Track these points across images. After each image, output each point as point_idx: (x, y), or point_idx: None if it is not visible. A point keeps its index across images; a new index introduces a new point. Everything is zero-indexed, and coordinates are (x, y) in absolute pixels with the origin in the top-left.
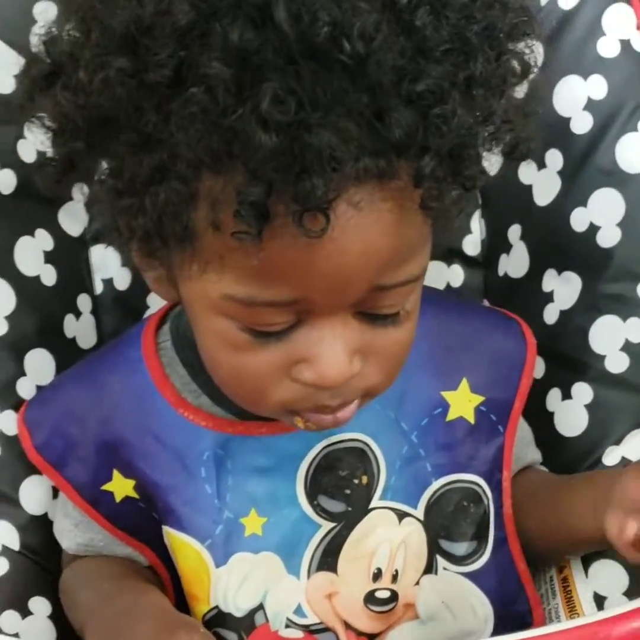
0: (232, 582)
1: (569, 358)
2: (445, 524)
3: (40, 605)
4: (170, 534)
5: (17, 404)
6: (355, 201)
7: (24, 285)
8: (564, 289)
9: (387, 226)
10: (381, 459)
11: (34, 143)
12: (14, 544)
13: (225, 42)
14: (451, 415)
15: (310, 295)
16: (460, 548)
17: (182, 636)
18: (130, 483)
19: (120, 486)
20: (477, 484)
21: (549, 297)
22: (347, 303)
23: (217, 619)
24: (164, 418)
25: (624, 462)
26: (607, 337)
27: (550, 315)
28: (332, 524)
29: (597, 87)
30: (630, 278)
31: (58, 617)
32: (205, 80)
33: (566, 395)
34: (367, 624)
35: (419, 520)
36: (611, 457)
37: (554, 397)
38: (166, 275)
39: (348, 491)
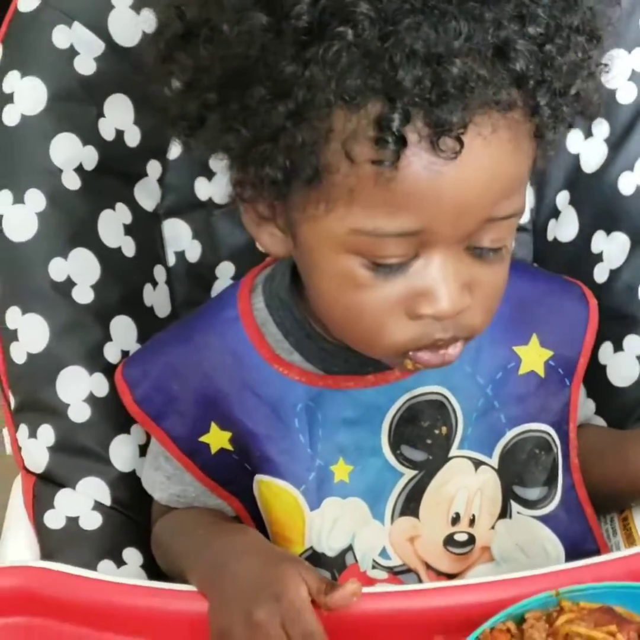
0: (325, 524)
1: (619, 313)
2: (519, 471)
3: (133, 556)
4: (265, 482)
5: (105, 367)
6: (482, 130)
7: (108, 256)
8: (613, 249)
9: (507, 154)
10: (459, 410)
11: (113, 121)
12: (106, 499)
13: None
14: (523, 369)
15: (434, 224)
16: (533, 493)
17: (288, 568)
18: (227, 435)
19: (217, 438)
20: (548, 433)
21: (598, 258)
22: (464, 234)
23: (312, 559)
24: (260, 373)
25: None
26: None
27: (601, 274)
28: (414, 472)
29: None
30: None
31: (150, 565)
32: (352, 18)
33: (618, 348)
34: (446, 565)
35: (493, 468)
36: None
37: (606, 350)
38: (282, 227)
39: (429, 441)
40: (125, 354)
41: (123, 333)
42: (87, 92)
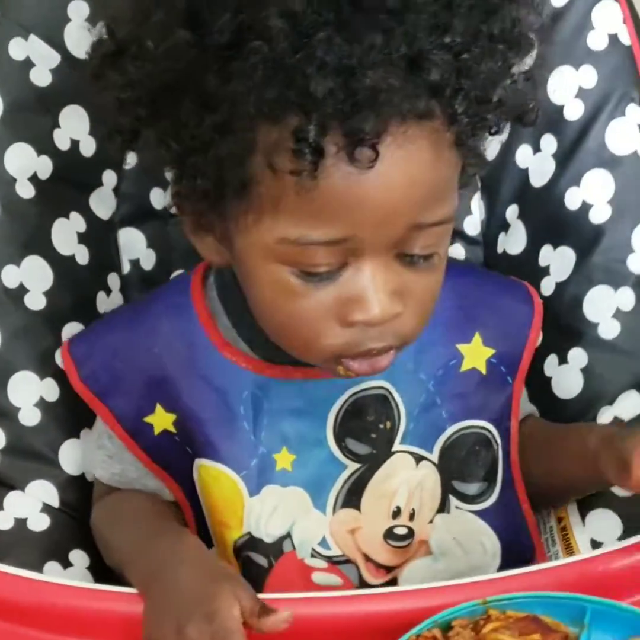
0: (264, 511)
1: (564, 326)
2: (458, 467)
3: (79, 557)
4: (205, 466)
5: (56, 372)
6: (399, 139)
7: (61, 264)
8: (559, 262)
9: (426, 162)
10: (401, 405)
11: (68, 132)
12: (54, 501)
13: (281, 1)
14: (465, 366)
15: (359, 232)
16: (472, 488)
17: (224, 586)
18: (171, 417)
19: (161, 419)
20: (488, 430)
21: (545, 271)
22: (391, 241)
23: (249, 544)
24: (209, 359)
25: (617, 420)
26: (600, 305)
27: (547, 287)
28: (358, 465)
29: (587, 76)
30: (621, 251)
31: (96, 567)
32: (266, 33)
33: (563, 360)
34: (385, 557)
35: (433, 463)
36: (605, 416)
37: (551, 362)
38: (219, 238)
39: (373, 435)
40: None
41: None
42: (42, 103)
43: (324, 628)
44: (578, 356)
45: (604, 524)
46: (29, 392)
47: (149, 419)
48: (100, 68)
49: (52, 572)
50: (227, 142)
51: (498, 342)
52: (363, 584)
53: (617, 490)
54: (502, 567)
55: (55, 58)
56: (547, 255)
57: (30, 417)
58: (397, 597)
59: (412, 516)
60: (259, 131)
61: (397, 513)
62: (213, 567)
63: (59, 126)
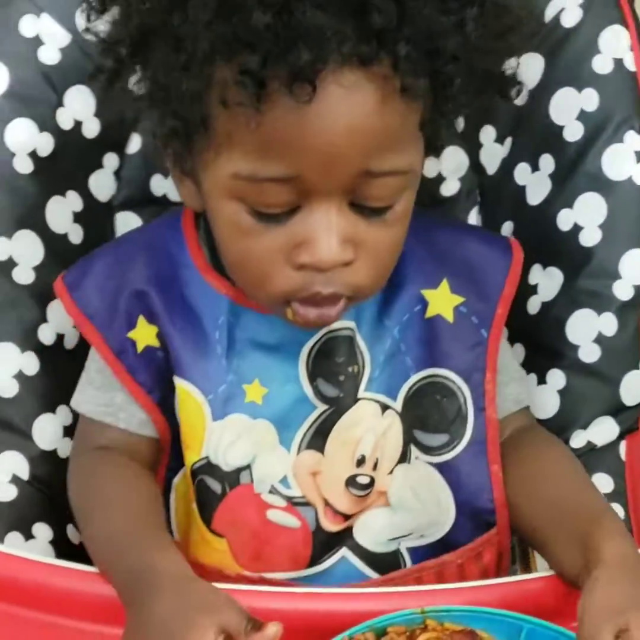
0: (225, 438)
1: (546, 346)
2: (420, 416)
3: (43, 531)
4: (178, 384)
5: (37, 347)
6: (341, 81)
7: (53, 241)
8: (546, 282)
9: (370, 107)
10: (365, 351)
11: (72, 112)
12: (24, 474)
13: None
14: (430, 312)
15: (305, 171)
16: (433, 439)
17: (198, 619)
18: (154, 330)
19: (144, 333)
20: (452, 380)
21: (533, 290)
22: (340, 186)
23: (205, 468)
24: (191, 279)
25: (589, 445)
26: (582, 329)
27: (533, 306)
28: (325, 407)
29: (589, 99)
30: (607, 276)
31: (58, 543)
32: None
33: (541, 381)
34: (345, 504)
35: (397, 412)
36: (577, 440)
37: (530, 381)
38: (193, 184)
39: (342, 378)
40: (60, 336)
41: (59, 316)
42: (48, 81)
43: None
44: (557, 377)
45: None
46: (9, 364)
47: (132, 333)
48: (88, 14)
49: (13, 543)
50: (188, 80)
51: (469, 292)
52: (319, 529)
53: None
54: (457, 527)
55: (65, 38)
56: (537, 274)
57: (7, 388)
58: (337, 598)
59: (375, 466)
60: (215, 69)
61: (361, 461)
62: (192, 597)
63: (63, 105)
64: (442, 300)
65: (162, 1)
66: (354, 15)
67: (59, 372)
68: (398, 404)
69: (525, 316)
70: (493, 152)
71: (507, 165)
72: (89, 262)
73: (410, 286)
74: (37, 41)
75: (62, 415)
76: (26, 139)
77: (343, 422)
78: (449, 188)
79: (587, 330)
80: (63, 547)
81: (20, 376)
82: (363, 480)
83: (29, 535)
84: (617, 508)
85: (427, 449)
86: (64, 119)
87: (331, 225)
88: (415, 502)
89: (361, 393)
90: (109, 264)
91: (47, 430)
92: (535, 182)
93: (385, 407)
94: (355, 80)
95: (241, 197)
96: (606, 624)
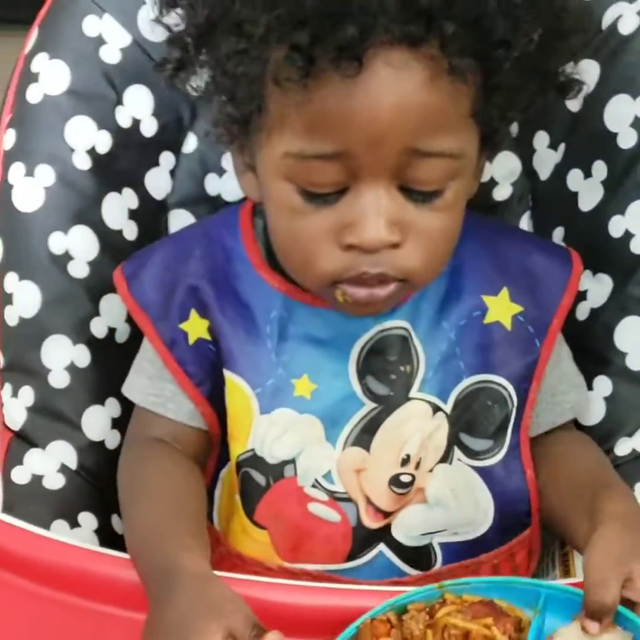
0: (272, 431)
1: (594, 353)
2: (469, 419)
3: (88, 520)
4: (227, 376)
5: (89, 340)
6: (388, 59)
7: (108, 236)
8: (596, 289)
9: (417, 85)
10: (421, 352)
11: (131, 110)
12: (72, 463)
13: None
14: (489, 319)
15: (352, 148)
16: (478, 444)
17: (208, 624)
18: (205, 323)
19: (196, 326)
20: (505, 388)
21: (582, 296)
22: (386, 164)
23: (251, 460)
24: (244, 273)
25: (634, 454)
26: (631, 336)
27: (582, 312)
28: (374, 405)
29: None
30: None
31: (103, 532)
32: None
33: (588, 387)
34: (386, 502)
35: (446, 413)
36: (622, 447)
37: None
38: (254, 175)
39: (393, 376)
40: (111, 330)
41: (112, 310)
42: (108, 80)
43: (288, 615)
44: (603, 384)
45: None
46: (61, 356)
47: (184, 325)
48: (160, 8)
49: (59, 530)
50: (246, 63)
51: (527, 301)
52: (360, 525)
53: None
54: (494, 528)
55: (126, 38)
56: (586, 280)
57: (59, 379)
58: (361, 594)
59: (418, 465)
60: (270, 50)
61: (406, 460)
62: (206, 599)
63: (122, 104)
64: (501, 308)
65: None
66: None
67: (109, 365)
68: (448, 406)
69: (573, 322)
70: (546, 157)
71: (560, 171)
72: (148, 254)
73: (471, 291)
74: (99, 41)
75: (111, 408)
76: (85, 136)
77: (391, 421)
78: (502, 193)
79: (635, 337)
80: (107, 537)
81: (71, 368)
82: (405, 479)
83: (74, 524)
84: None
85: (470, 453)
86: (123, 118)
87: (379, 207)
88: (453, 501)
89: (413, 393)
90: (166, 257)
91: (96, 422)
92: (587, 189)
93: (436, 409)
94: (403, 59)
95: (291, 177)
96: (612, 573)
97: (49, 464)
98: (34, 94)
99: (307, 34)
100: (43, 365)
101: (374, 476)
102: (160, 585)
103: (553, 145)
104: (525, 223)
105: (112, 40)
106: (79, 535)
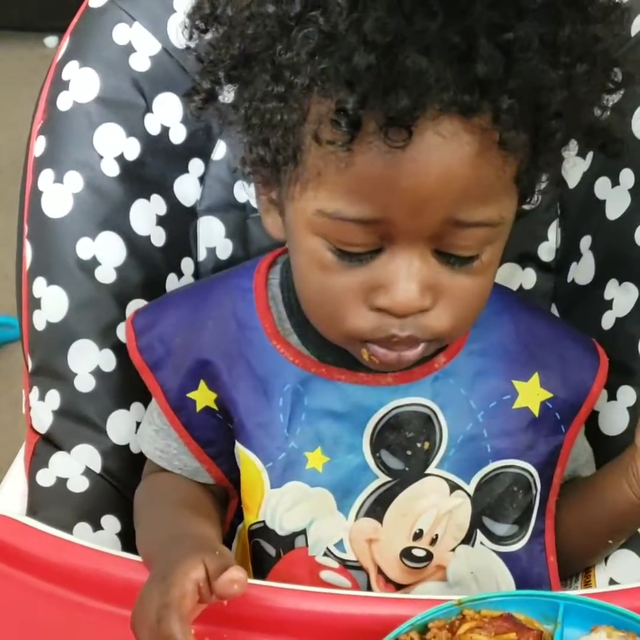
0: (282, 504)
1: (618, 362)
2: (492, 504)
3: (111, 523)
4: (239, 449)
5: (115, 344)
6: (438, 129)
7: (136, 242)
8: (622, 298)
9: (465, 158)
10: (445, 429)
11: (160, 118)
12: (97, 467)
13: None
14: (518, 404)
15: (392, 215)
16: (501, 529)
17: (192, 554)
18: (213, 395)
19: (203, 396)
20: (530, 473)
21: (608, 305)
22: (426, 232)
23: (261, 532)
24: (258, 345)
25: None
26: None
27: (607, 321)
28: (388, 478)
29: None
30: None
31: (126, 535)
32: (325, 3)
33: (611, 397)
34: (397, 574)
35: (468, 494)
36: None
37: (601, 397)
38: (279, 214)
39: (409, 452)
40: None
41: None
42: (137, 87)
43: (311, 622)
44: (627, 394)
45: (624, 564)
46: (87, 360)
47: (192, 394)
48: (190, 32)
49: (82, 533)
50: (284, 111)
51: (557, 388)
52: None
53: None
54: None
55: (155, 46)
56: (612, 289)
57: (85, 383)
58: (383, 602)
59: (434, 541)
60: (311, 102)
61: (418, 535)
62: (202, 544)
63: (151, 111)
64: (532, 394)
65: (268, 28)
66: (459, 62)
67: (134, 371)
68: (471, 487)
69: (599, 331)
70: (575, 165)
71: (588, 179)
72: (161, 310)
73: (502, 374)
74: (128, 49)
75: (135, 412)
76: (114, 143)
77: (405, 495)
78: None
79: None
80: (130, 540)
81: (97, 372)
82: (419, 553)
83: (97, 526)
84: None
85: (494, 537)
86: (152, 125)
87: (412, 272)
88: (473, 583)
89: (431, 469)
90: (178, 320)
91: (121, 426)
92: (615, 197)
93: (454, 487)
94: (453, 129)
95: (324, 234)
96: None
97: (74, 467)
98: (64, 102)
99: (355, 97)
100: (69, 369)
101: (386, 547)
102: (160, 550)
103: (581, 153)
104: (553, 231)
105: (142, 48)
106: (102, 538)
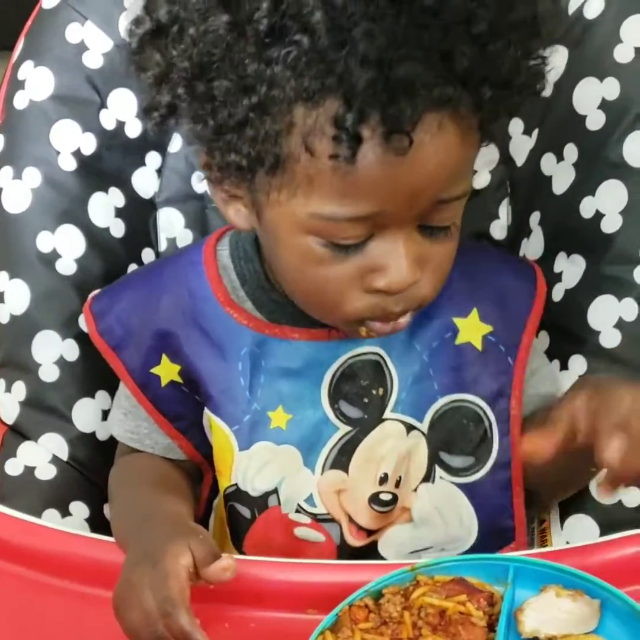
0: (252, 466)
1: (569, 332)
2: (446, 438)
3: (79, 509)
4: (208, 415)
5: (77, 334)
6: (431, 126)
7: (95, 234)
8: (570, 270)
9: (454, 146)
10: (394, 374)
11: (115, 113)
12: (63, 454)
13: None
14: (460, 340)
15: (388, 208)
16: (458, 461)
17: (179, 539)
18: (176, 368)
19: (167, 370)
20: (479, 406)
21: (558, 277)
22: (414, 215)
23: (235, 495)
24: (212, 313)
25: None
26: (603, 315)
27: (557, 293)
28: (349, 428)
29: (611, 88)
30: (628, 262)
31: (93, 520)
32: (309, 26)
33: (564, 366)
34: (368, 521)
35: (423, 433)
36: None
37: (553, 367)
38: (248, 206)
39: (366, 400)
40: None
41: None
42: (92, 84)
43: (276, 591)
44: (578, 363)
45: (580, 528)
46: (51, 350)
47: (155, 370)
48: (140, 46)
49: (50, 519)
50: (263, 122)
51: (496, 320)
52: (344, 543)
53: (597, 496)
54: (479, 543)
55: (108, 43)
56: (561, 262)
57: (49, 373)
58: (342, 569)
59: (398, 483)
60: (296, 114)
61: (384, 479)
62: (182, 527)
63: (106, 107)
64: (472, 329)
65: (230, 45)
66: (443, 62)
67: (98, 359)
68: (424, 426)
69: (550, 304)
70: (521, 143)
71: (534, 156)
72: (116, 293)
73: (442, 314)
74: (82, 47)
75: (100, 400)
76: (70, 138)
77: (367, 442)
78: (480, 181)
79: (607, 315)
80: (98, 526)
81: (61, 362)
82: (385, 497)
83: (66, 512)
84: None
85: (451, 470)
86: (107, 120)
87: (403, 252)
88: (438, 519)
89: (387, 414)
90: (134, 299)
91: (86, 414)
92: (560, 172)
93: (410, 428)
94: (443, 123)
95: (316, 232)
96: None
97: (41, 455)
98: (20, 101)
99: (355, 114)
100: (34, 360)
101: (354, 496)
102: (135, 529)
103: (527, 131)
104: (504, 209)
105: (95, 45)
106: (70, 524)
